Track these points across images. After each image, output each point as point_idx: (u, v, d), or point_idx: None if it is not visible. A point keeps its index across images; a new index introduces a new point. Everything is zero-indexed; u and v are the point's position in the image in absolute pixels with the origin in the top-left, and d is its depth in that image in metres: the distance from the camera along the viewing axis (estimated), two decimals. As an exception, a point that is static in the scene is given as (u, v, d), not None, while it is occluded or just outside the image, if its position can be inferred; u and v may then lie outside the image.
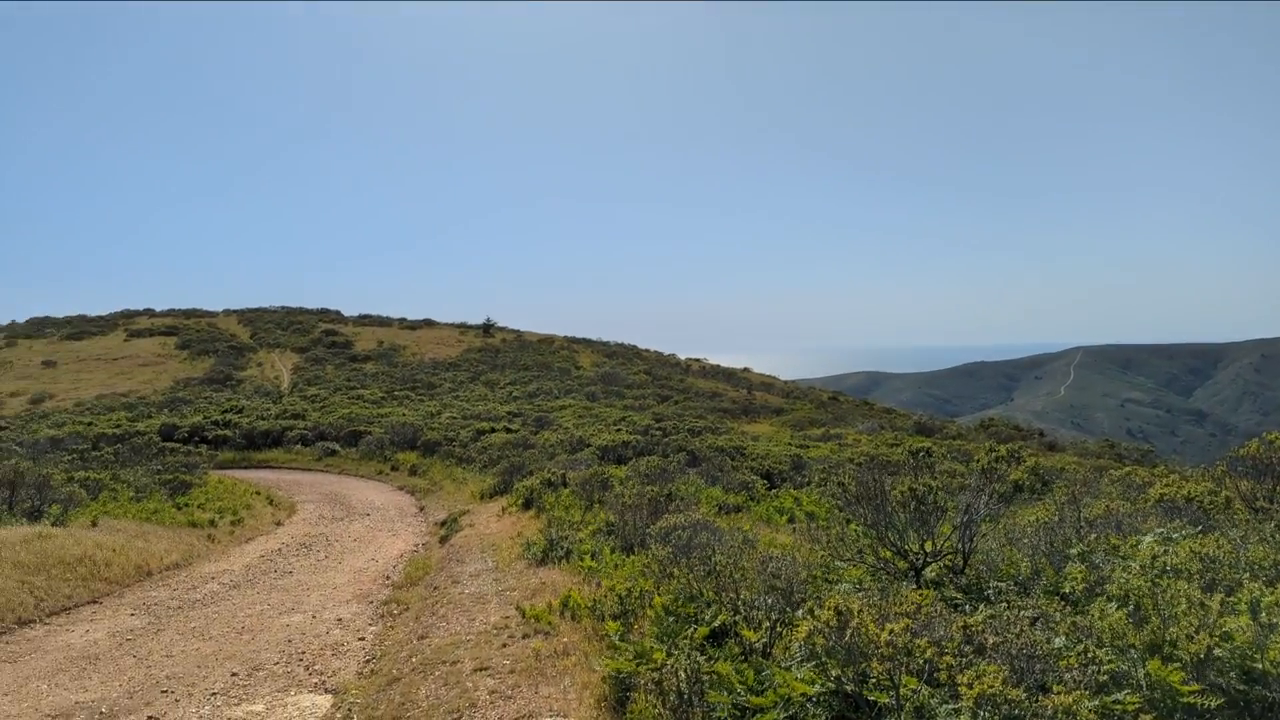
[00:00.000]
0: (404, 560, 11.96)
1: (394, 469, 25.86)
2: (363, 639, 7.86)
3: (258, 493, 19.68)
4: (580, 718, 4.62)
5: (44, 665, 7.21)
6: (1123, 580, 4.13)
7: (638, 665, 4.57)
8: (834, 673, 3.64)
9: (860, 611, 3.51)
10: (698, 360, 71.65)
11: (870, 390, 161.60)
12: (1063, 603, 4.79)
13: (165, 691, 6.43)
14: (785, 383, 68.29)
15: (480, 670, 5.78)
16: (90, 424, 32.53)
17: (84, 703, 6.20)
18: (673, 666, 4.15)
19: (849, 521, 7.82)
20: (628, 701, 4.50)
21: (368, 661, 7.04)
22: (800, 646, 4.16)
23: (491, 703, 5.13)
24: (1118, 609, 3.96)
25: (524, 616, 6.82)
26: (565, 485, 12.79)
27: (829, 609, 3.54)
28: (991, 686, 3.15)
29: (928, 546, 5.73)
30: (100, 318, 70.81)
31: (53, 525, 12.08)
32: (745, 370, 69.10)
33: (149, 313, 73.37)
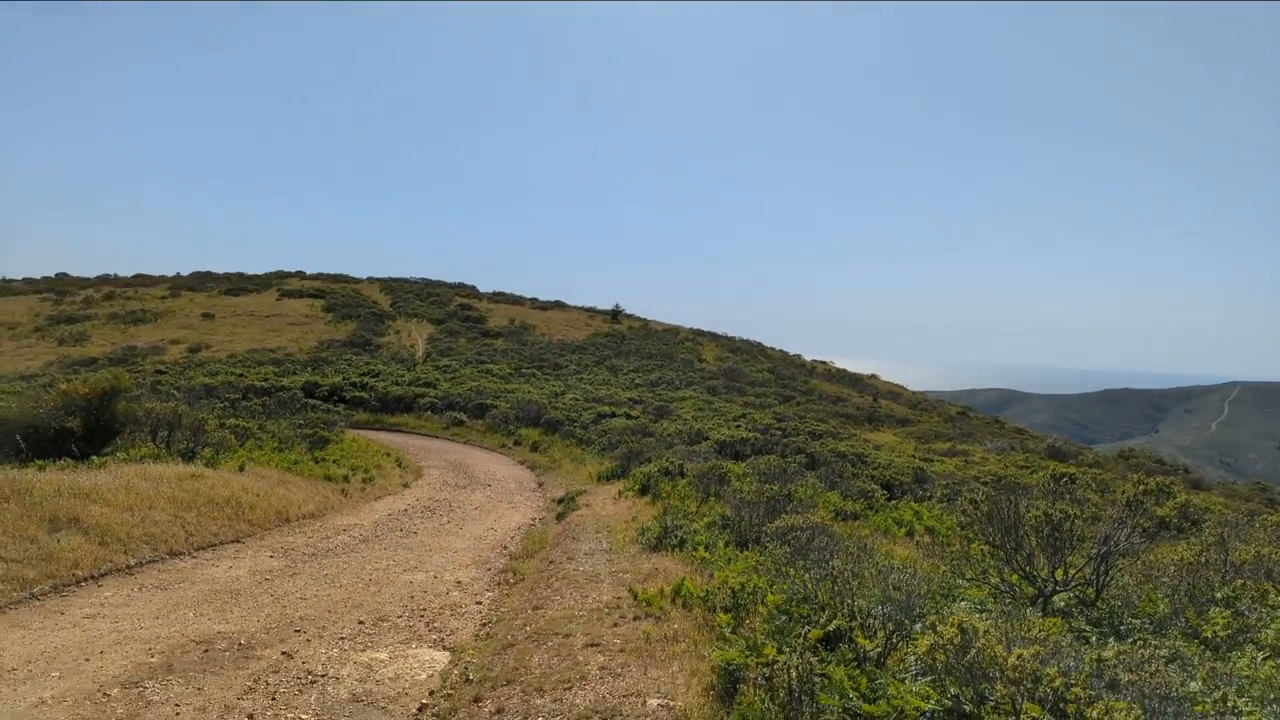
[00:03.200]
0: (521, 532, 12.38)
1: (516, 444, 26.70)
2: (480, 603, 8.22)
3: (388, 454, 20.76)
4: (687, 703, 4.70)
5: (191, 595, 7.87)
6: (1277, 630, 3.87)
7: (748, 659, 4.62)
8: (952, 690, 3.58)
9: (986, 632, 3.44)
10: (823, 363, 70.34)
11: (1002, 408, 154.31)
12: (1202, 647, 4.52)
13: (298, 631, 6.93)
14: (913, 393, 66.19)
15: (591, 646, 5.95)
16: (241, 375, 35.11)
17: (225, 633, 6.74)
18: (785, 664, 4.17)
19: (971, 541, 7.59)
20: (735, 693, 4.55)
21: (484, 625, 7.36)
22: (917, 660, 4.10)
23: (601, 678, 5.29)
24: (1267, 659, 3.71)
25: (636, 599, 6.96)
26: (683, 475, 12.90)
27: (953, 625, 3.49)
28: (1121, 724, 3.03)
29: (1059, 574, 5.50)
30: (257, 276, 75.79)
31: (205, 466, 13.09)
32: (872, 377, 67.34)
33: (300, 275, 78.04)
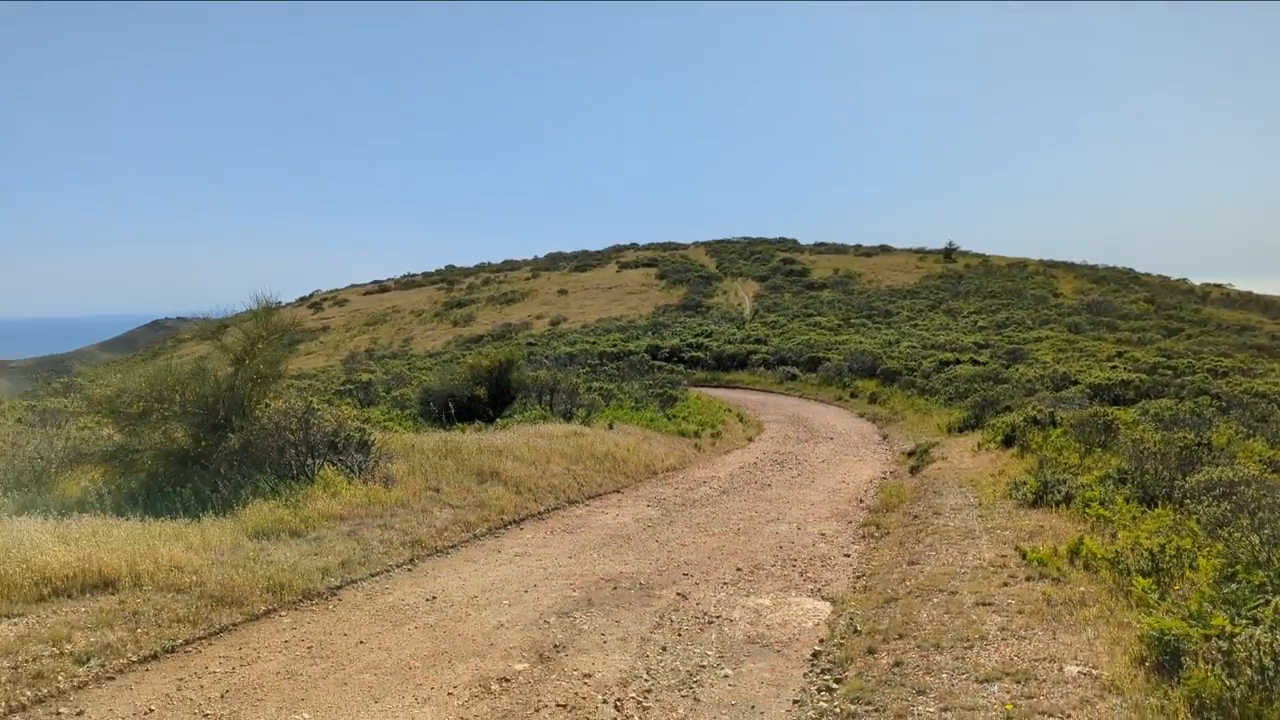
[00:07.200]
0: (874, 486, 12.11)
1: (853, 396, 26.21)
2: (848, 555, 8.15)
3: (729, 410, 21.42)
4: (1114, 674, 4.22)
5: (591, 538, 8.80)
6: None
7: (1191, 629, 4.03)
8: None
9: None
10: (1218, 286, 58.92)
11: None
12: None
13: (686, 574, 7.41)
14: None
15: (982, 605, 5.61)
16: (594, 343, 38.31)
17: (625, 573, 7.44)
18: (1248, 638, 3.57)
19: None
20: (1178, 667, 4.00)
21: (857, 578, 7.28)
22: None
23: (1002, 639, 4.95)
24: None
25: (1024, 558, 6.44)
26: (1055, 424, 11.69)
27: None
28: None
29: None
30: (598, 252, 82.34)
31: (581, 425, 14.53)
32: (1291, 297, 55.36)
33: (634, 247, 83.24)
